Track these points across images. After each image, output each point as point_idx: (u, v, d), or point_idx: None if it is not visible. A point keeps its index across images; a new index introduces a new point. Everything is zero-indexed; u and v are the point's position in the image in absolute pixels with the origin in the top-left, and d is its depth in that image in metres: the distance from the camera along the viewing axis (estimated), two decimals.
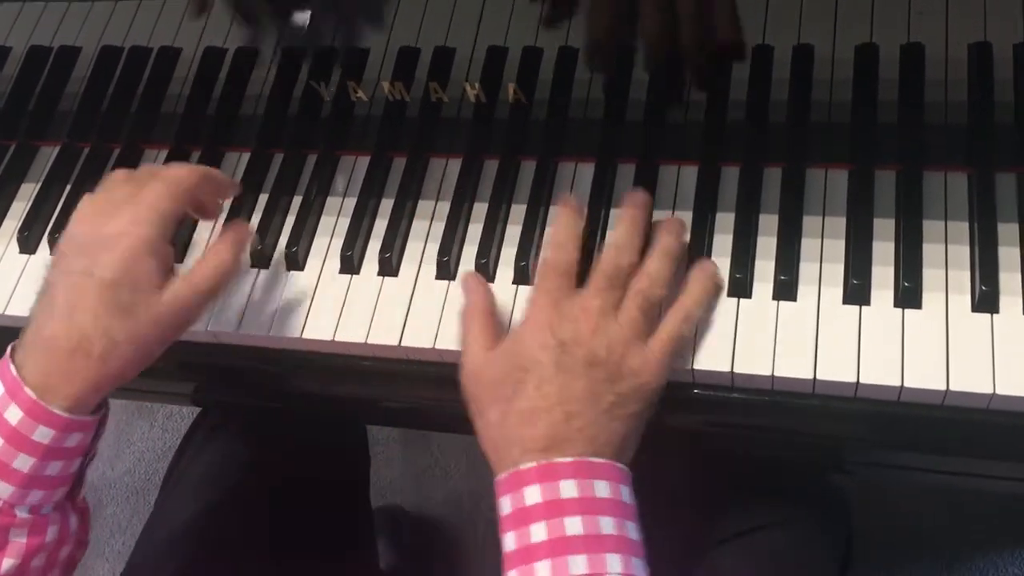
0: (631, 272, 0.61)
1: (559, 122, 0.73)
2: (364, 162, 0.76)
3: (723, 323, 0.62)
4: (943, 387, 0.57)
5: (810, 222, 0.65)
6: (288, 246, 0.72)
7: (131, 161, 0.81)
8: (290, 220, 0.74)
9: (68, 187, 0.80)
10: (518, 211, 0.71)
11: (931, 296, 0.61)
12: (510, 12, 0.76)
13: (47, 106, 0.86)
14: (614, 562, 0.52)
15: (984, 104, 0.66)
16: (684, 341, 0.60)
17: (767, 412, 0.62)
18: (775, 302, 0.63)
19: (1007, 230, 0.62)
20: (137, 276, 0.57)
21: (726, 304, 0.63)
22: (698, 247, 0.65)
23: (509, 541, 0.54)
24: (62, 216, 0.78)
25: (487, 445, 0.59)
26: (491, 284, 0.67)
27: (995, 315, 0.59)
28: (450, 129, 0.75)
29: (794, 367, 0.60)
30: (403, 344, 0.67)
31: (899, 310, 0.60)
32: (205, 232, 0.75)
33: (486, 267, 0.68)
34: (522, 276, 0.67)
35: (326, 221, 0.74)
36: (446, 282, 0.69)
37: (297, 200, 0.75)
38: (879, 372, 0.59)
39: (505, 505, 0.55)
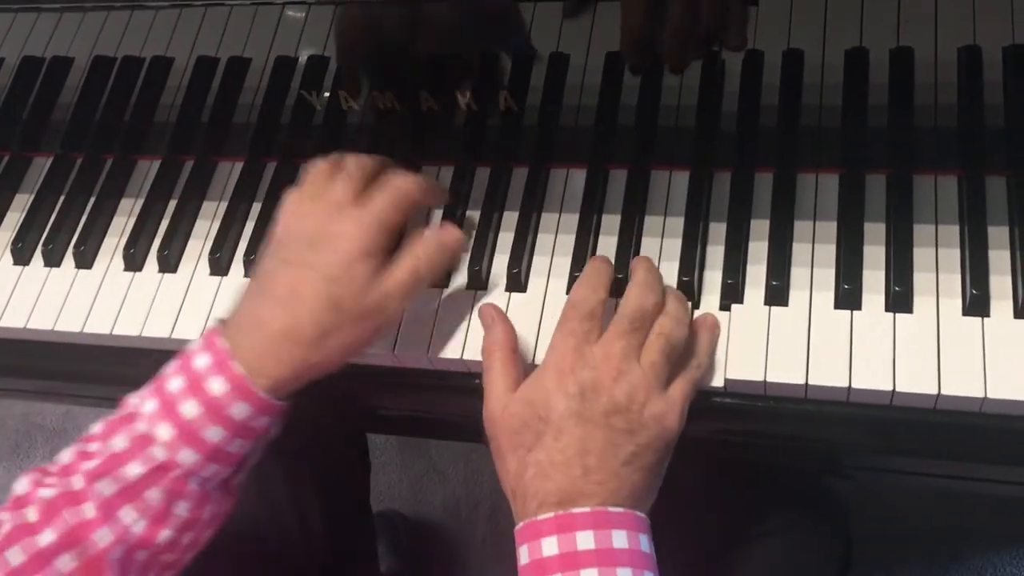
0: (654, 313, 0.59)
1: (550, 129, 0.73)
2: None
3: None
4: (935, 391, 0.58)
5: (801, 227, 0.65)
6: None
7: (124, 173, 0.81)
8: None
9: (61, 198, 0.80)
10: (510, 218, 0.71)
11: (922, 300, 0.61)
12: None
13: (40, 117, 0.86)
14: None
15: (974, 107, 0.66)
16: (699, 382, 0.60)
17: (760, 418, 0.62)
18: (767, 307, 0.63)
19: (997, 233, 0.62)
20: (353, 276, 0.60)
21: (717, 309, 0.63)
22: (689, 253, 0.66)
23: None
24: (55, 227, 0.78)
25: (507, 491, 0.59)
26: (484, 291, 0.68)
27: (986, 319, 0.59)
28: (442, 137, 0.75)
29: (786, 373, 0.60)
30: (395, 352, 0.67)
31: (890, 314, 0.61)
32: None
33: (479, 274, 0.68)
34: (515, 284, 0.67)
35: None
36: (439, 290, 0.69)
37: None
38: (871, 377, 0.59)
39: (523, 555, 0.55)
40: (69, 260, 0.77)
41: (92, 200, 0.80)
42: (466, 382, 0.68)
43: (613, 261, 0.66)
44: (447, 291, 0.69)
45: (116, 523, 0.58)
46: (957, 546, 1.29)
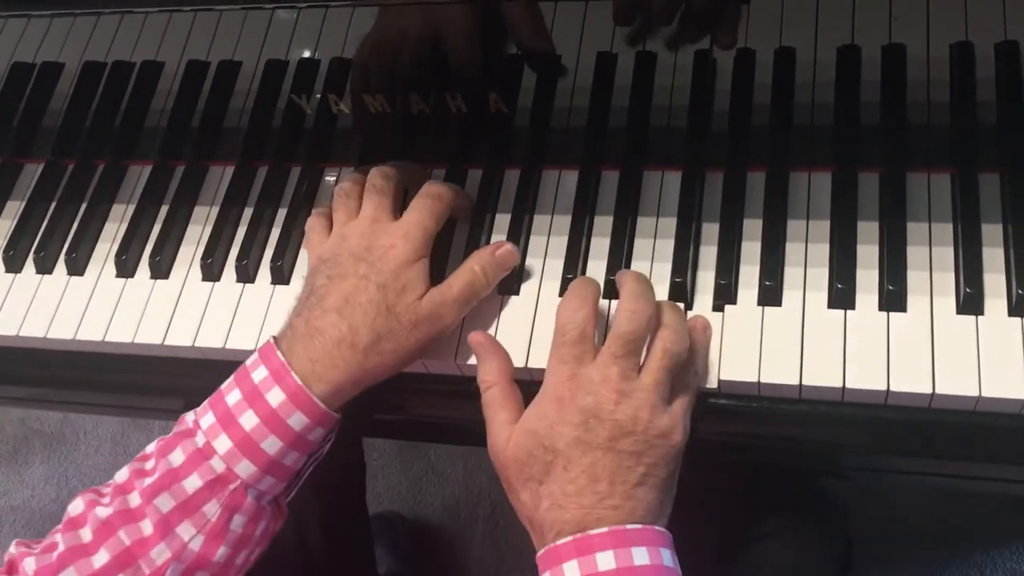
0: (649, 328, 0.59)
1: (542, 130, 0.73)
2: (348, 174, 0.75)
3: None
4: (929, 390, 0.57)
5: (794, 226, 0.65)
6: (273, 259, 0.72)
7: (115, 178, 0.80)
8: (275, 233, 0.74)
9: (53, 205, 0.80)
10: (502, 220, 0.70)
11: (916, 299, 0.60)
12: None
13: (31, 123, 0.85)
14: None
15: (967, 104, 0.66)
16: (698, 393, 0.60)
17: (755, 419, 0.62)
18: (760, 308, 0.63)
19: (991, 231, 0.62)
20: (404, 282, 0.62)
21: (710, 310, 0.63)
22: (682, 254, 0.65)
23: None
24: (47, 234, 0.78)
25: (523, 521, 0.59)
26: None
27: (980, 317, 0.59)
28: (433, 139, 0.75)
29: (780, 374, 0.60)
30: None
31: (884, 314, 0.60)
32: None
33: None
34: (507, 287, 0.67)
35: None
36: None
37: (282, 213, 0.75)
38: (864, 377, 0.59)
39: None
40: (61, 267, 0.77)
41: (83, 206, 0.80)
42: (461, 386, 0.67)
43: (605, 262, 0.66)
44: None
45: (174, 539, 0.59)
46: (957, 543, 1.29)
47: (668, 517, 0.58)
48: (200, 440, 0.60)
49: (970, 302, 0.59)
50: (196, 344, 0.70)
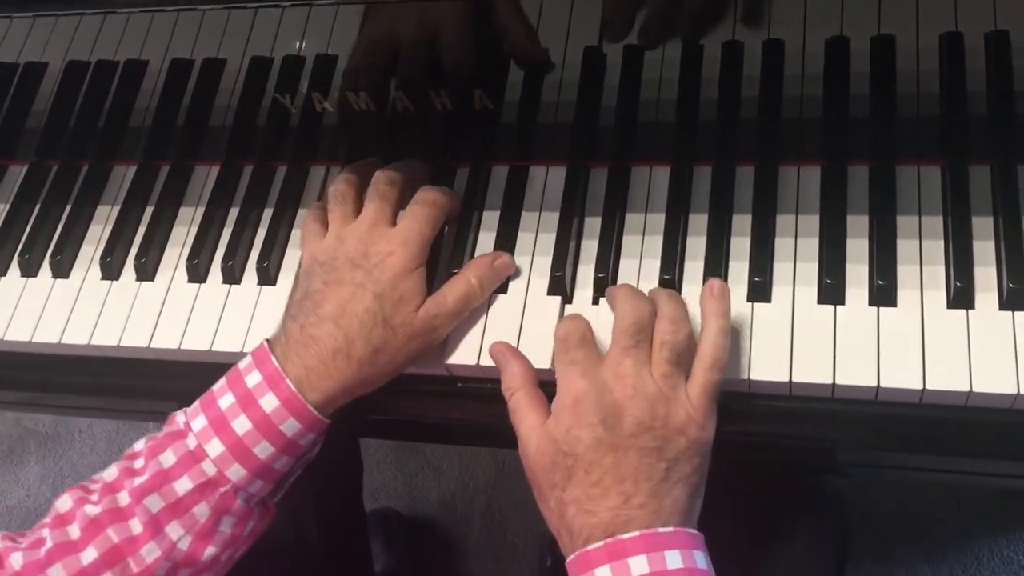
0: (651, 320, 0.58)
1: (529, 126, 0.72)
2: (335, 173, 0.75)
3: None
4: (920, 386, 0.57)
5: (783, 221, 0.65)
6: (259, 261, 0.71)
7: (99, 179, 0.80)
8: (261, 234, 0.73)
9: (37, 207, 0.80)
10: (490, 218, 0.70)
11: (906, 294, 0.60)
12: None
13: (14, 124, 0.85)
14: None
15: (956, 95, 0.65)
16: (720, 384, 0.58)
17: (744, 416, 0.62)
18: (749, 304, 0.62)
19: (981, 224, 0.61)
20: (401, 293, 0.62)
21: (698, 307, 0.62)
22: (671, 251, 0.65)
23: None
24: (31, 237, 0.77)
25: (551, 528, 0.58)
26: None
27: (971, 311, 0.59)
28: (419, 137, 0.74)
29: (770, 371, 0.59)
30: None
31: (874, 308, 0.60)
32: None
33: None
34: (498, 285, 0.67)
35: (297, 234, 0.73)
36: None
37: (268, 213, 0.74)
38: (854, 373, 0.58)
39: None
40: (46, 270, 0.76)
41: (68, 208, 0.79)
42: (449, 387, 0.67)
43: (594, 258, 0.66)
44: None
45: (163, 539, 0.59)
46: (954, 532, 1.29)
47: (698, 515, 0.57)
48: (192, 443, 0.60)
49: (961, 296, 0.59)
50: (182, 347, 0.70)
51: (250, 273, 0.72)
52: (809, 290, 0.61)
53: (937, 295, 0.60)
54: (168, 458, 0.60)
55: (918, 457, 0.64)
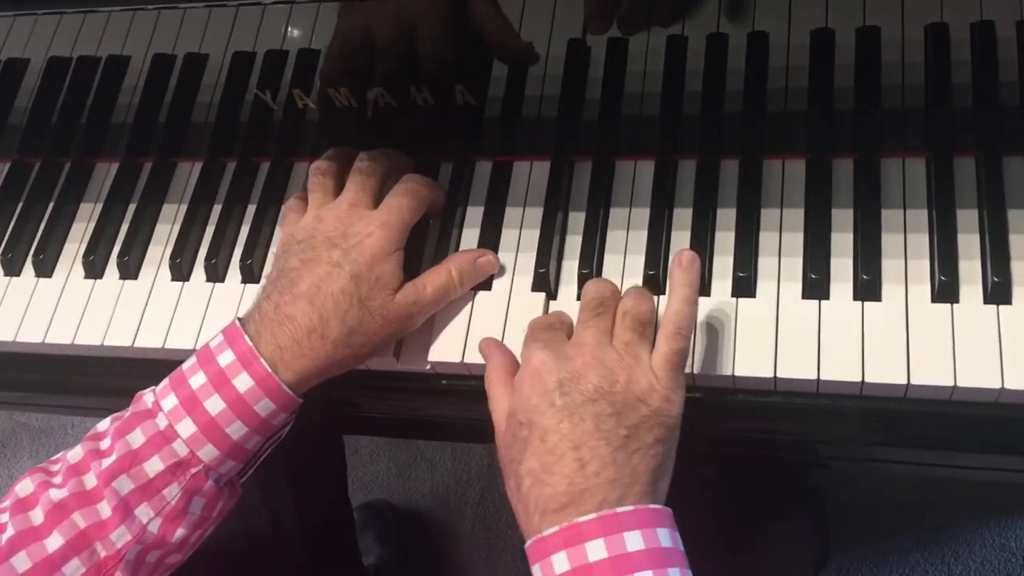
0: (614, 299, 0.59)
1: (512, 121, 0.71)
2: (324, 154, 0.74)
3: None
4: (904, 381, 0.57)
5: (768, 215, 0.64)
6: (243, 258, 0.71)
7: (82, 177, 0.79)
8: (244, 231, 0.73)
9: (19, 205, 0.79)
10: (474, 213, 0.69)
11: (890, 288, 0.60)
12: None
13: None
14: None
15: (942, 86, 0.65)
16: (685, 354, 0.56)
17: (729, 411, 0.61)
18: (734, 299, 0.62)
19: (966, 216, 0.61)
20: (380, 274, 0.61)
21: None
22: (655, 246, 0.64)
23: None
24: (13, 235, 0.77)
25: (513, 509, 0.56)
26: None
27: (955, 305, 0.58)
28: (402, 132, 0.74)
29: (754, 366, 0.59)
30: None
31: (859, 303, 0.60)
32: None
33: None
34: (480, 282, 0.66)
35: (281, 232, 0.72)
36: None
37: (251, 210, 0.74)
38: (839, 368, 0.58)
39: (536, 575, 0.53)
40: (29, 269, 0.76)
41: (51, 206, 0.79)
42: (434, 384, 0.67)
43: (578, 254, 0.65)
44: None
45: (133, 522, 0.58)
46: (944, 519, 1.29)
47: (665, 493, 0.55)
48: (162, 422, 0.59)
49: (945, 290, 0.58)
50: (166, 346, 0.69)
51: (233, 271, 0.72)
52: (794, 285, 0.61)
53: (922, 289, 0.59)
54: (137, 438, 0.59)
55: (903, 451, 0.64)
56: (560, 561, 0.51)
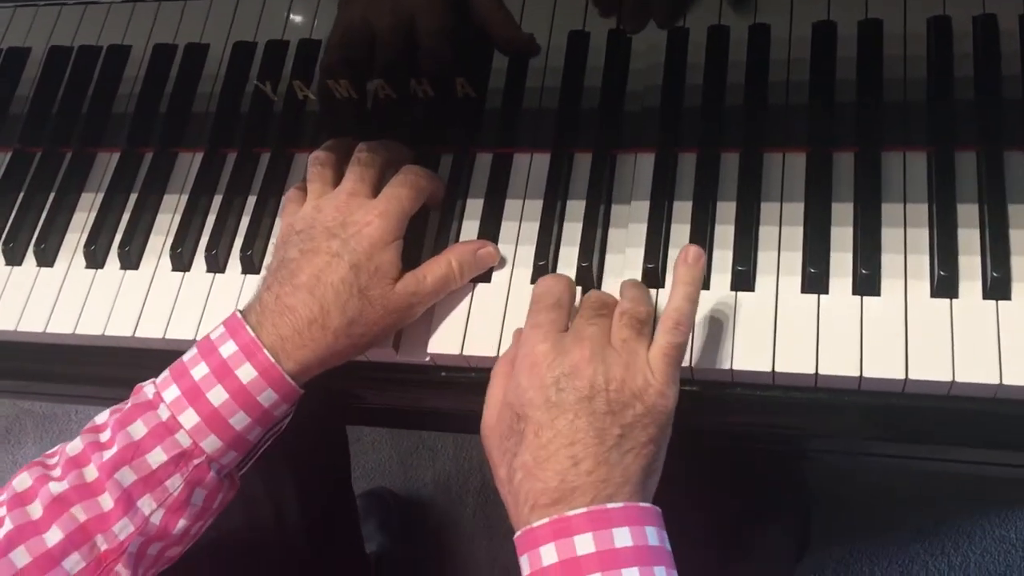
0: (614, 303, 0.59)
1: (512, 113, 0.71)
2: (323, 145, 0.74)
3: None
4: (902, 376, 0.57)
5: (768, 209, 0.64)
6: (243, 249, 0.71)
7: (83, 166, 0.79)
8: (244, 222, 0.73)
9: (21, 195, 0.79)
10: (474, 206, 0.69)
11: (889, 283, 0.60)
12: None
13: None
14: None
15: (944, 80, 0.65)
16: (683, 349, 0.57)
17: (728, 405, 0.62)
18: (733, 293, 0.62)
19: (967, 211, 0.61)
20: (380, 263, 0.61)
21: None
22: (655, 237, 0.64)
23: None
24: (15, 225, 0.77)
25: (503, 500, 0.57)
26: None
27: (954, 300, 0.58)
28: (402, 124, 0.74)
29: (753, 360, 0.59)
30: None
31: (857, 298, 0.60)
32: None
33: None
34: (479, 274, 0.66)
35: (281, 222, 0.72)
36: None
37: (251, 201, 0.74)
38: (837, 363, 0.58)
39: (524, 566, 0.53)
40: (30, 258, 0.76)
41: (52, 195, 0.79)
42: (433, 376, 0.67)
43: (577, 247, 0.65)
44: None
45: (136, 514, 0.57)
46: (944, 511, 1.29)
47: (654, 490, 0.55)
48: (164, 413, 0.59)
49: (944, 285, 0.58)
50: (167, 336, 0.69)
51: (234, 261, 0.72)
52: (793, 279, 0.61)
53: (921, 284, 0.59)
54: (138, 429, 0.58)
55: (901, 446, 0.64)
56: (548, 553, 0.51)
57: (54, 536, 0.56)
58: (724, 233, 0.64)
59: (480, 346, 0.64)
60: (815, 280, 0.60)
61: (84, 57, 0.83)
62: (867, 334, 0.58)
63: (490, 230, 0.68)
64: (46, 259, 0.75)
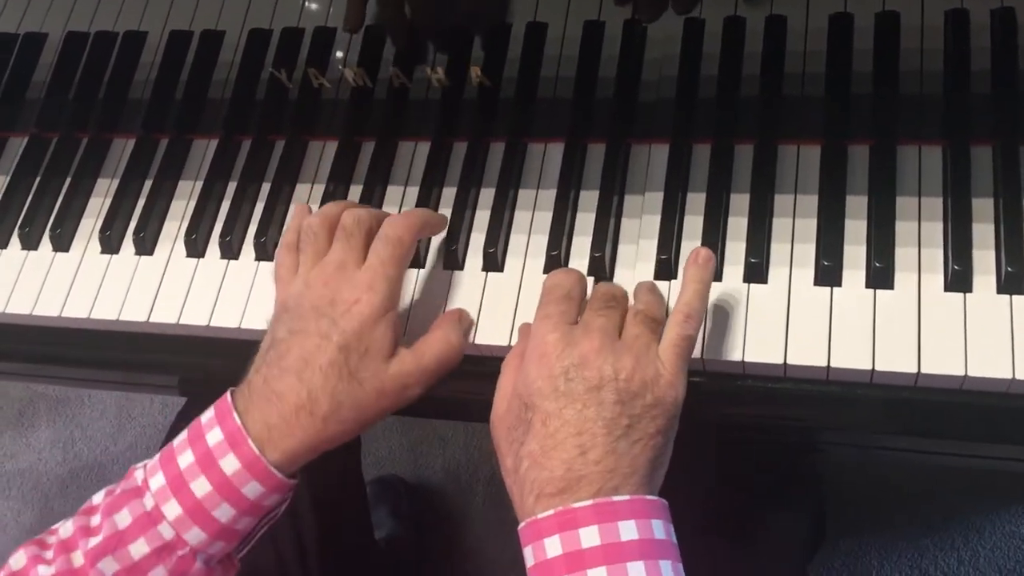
0: (625, 297, 0.59)
1: (527, 103, 0.71)
2: (333, 147, 0.74)
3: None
4: (914, 370, 0.57)
5: (781, 201, 0.64)
6: (257, 236, 0.71)
7: (99, 152, 0.79)
8: (259, 208, 0.73)
9: (37, 179, 0.80)
10: (487, 195, 0.69)
11: (903, 276, 0.59)
12: None
13: (14, 96, 0.84)
14: None
15: (961, 73, 0.64)
16: (692, 341, 0.57)
17: (739, 396, 0.62)
18: (745, 285, 0.62)
19: (981, 205, 0.60)
20: (370, 343, 0.58)
21: None
22: (668, 228, 0.64)
23: None
24: (31, 210, 0.78)
25: (508, 490, 0.56)
26: (460, 271, 0.67)
27: (968, 295, 0.58)
28: (418, 112, 0.74)
29: (765, 352, 0.59)
30: None
31: (871, 291, 0.59)
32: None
33: (455, 254, 0.67)
34: (491, 263, 0.66)
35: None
36: (415, 270, 0.68)
37: (266, 188, 0.74)
38: (849, 356, 0.58)
39: (528, 557, 0.52)
40: (46, 243, 0.76)
41: (68, 181, 0.79)
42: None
43: (590, 238, 0.65)
44: (423, 271, 0.68)
45: None
46: (954, 506, 1.29)
47: (660, 483, 0.55)
48: (148, 503, 0.57)
49: (958, 279, 0.58)
50: (181, 321, 0.70)
51: (248, 248, 0.72)
52: (806, 271, 0.61)
53: (935, 278, 0.59)
54: (124, 518, 0.57)
55: (911, 439, 0.64)
56: (553, 545, 0.51)
57: None
58: (737, 225, 0.64)
59: (492, 335, 0.64)
60: (828, 273, 0.60)
61: (100, 43, 0.83)
62: (880, 327, 0.58)
63: (503, 219, 0.68)
64: (62, 244, 0.76)
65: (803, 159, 0.65)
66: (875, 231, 0.61)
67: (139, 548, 0.57)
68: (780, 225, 0.63)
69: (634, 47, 0.70)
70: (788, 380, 0.60)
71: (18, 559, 0.58)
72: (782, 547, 0.75)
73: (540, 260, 0.66)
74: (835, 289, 0.60)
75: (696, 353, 0.59)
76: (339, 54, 0.76)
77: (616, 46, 0.71)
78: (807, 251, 0.62)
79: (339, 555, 0.91)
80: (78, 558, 0.57)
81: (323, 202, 0.72)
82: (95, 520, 0.58)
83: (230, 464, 0.57)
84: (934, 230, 0.61)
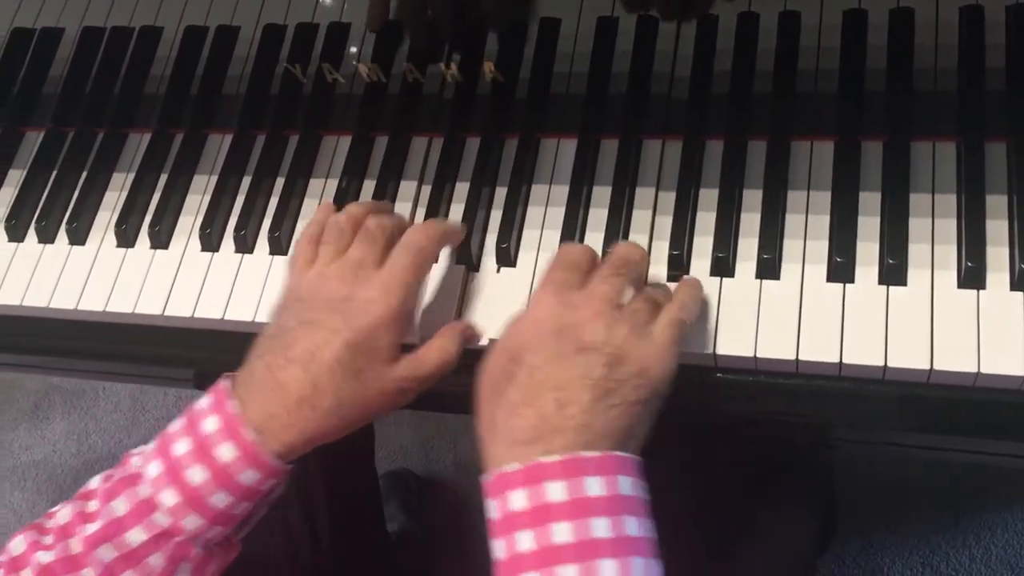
0: (639, 264, 0.59)
1: (540, 98, 0.72)
2: (346, 143, 0.75)
3: (705, 303, 0.61)
4: (927, 366, 0.57)
5: (794, 197, 0.64)
6: (271, 230, 0.72)
7: (115, 146, 0.80)
8: (273, 203, 0.74)
9: (54, 173, 0.80)
10: (500, 191, 0.70)
11: (916, 273, 0.59)
12: None
13: (31, 90, 0.85)
14: (608, 569, 0.48)
15: (975, 70, 0.64)
16: (686, 327, 0.57)
17: (750, 392, 0.62)
18: (758, 281, 0.62)
19: (995, 202, 0.60)
20: (378, 345, 0.59)
21: (708, 284, 0.62)
22: (681, 224, 0.64)
23: (498, 549, 0.51)
24: (48, 203, 0.78)
25: (482, 447, 0.56)
26: (472, 267, 0.67)
27: (981, 291, 0.58)
28: (431, 108, 0.74)
29: (777, 347, 0.59)
30: None
31: (883, 287, 0.59)
32: None
33: (468, 248, 0.67)
34: (504, 258, 0.67)
35: (309, 204, 0.73)
36: None
37: (280, 182, 0.75)
38: (862, 352, 0.58)
39: (492, 509, 0.52)
40: (63, 237, 0.77)
41: (84, 175, 0.79)
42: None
43: (603, 234, 0.66)
44: (435, 266, 0.68)
45: None
46: (966, 503, 1.29)
47: (636, 450, 0.54)
48: (145, 491, 0.57)
49: (972, 276, 0.58)
50: (195, 315, 0.70)
51: (262, 242, 0.72)
52: (819, 267, 0.61)
53: (948, 275, 0.59)
54: (121, 506, 0.57)
55: (923, 436, 0.64)
56: (518, 498, 0.50)
57: None
58: (750, 221, 0.64)
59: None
60: (841, 269, 0.60)
61: (116, 38, 0.84)
62: (892, 324, 0.58)
63: (515, 215, 0.68)
64: (78, 238, 0.76)
65: (816, 155, 0.65)
66: (888, 227, 0.61)
67: (136, 535, 0.57)
68: (793, 221, 0.63)
69: (647, 43, 0.70)
70: (800, 376, 0.60)
71: (17, 544, 0.58)
72: (792, 542, 0.75)
73: (552, 255, 0.66)
74: (848, 285, 0.60)
75: (708, 348, 0.60)
76: (353, 49, 0.77)
77: (629, 42, 0.71)
78: (820, 247, 0.62)
79: (351, 546, 0.92)
80: (76, 545, 0.57)
81: (337, 197, 0.73)
82: (92, 505, 0.58)
83: (226, 452, 0.57)
84: (948, 227, 0.61)
